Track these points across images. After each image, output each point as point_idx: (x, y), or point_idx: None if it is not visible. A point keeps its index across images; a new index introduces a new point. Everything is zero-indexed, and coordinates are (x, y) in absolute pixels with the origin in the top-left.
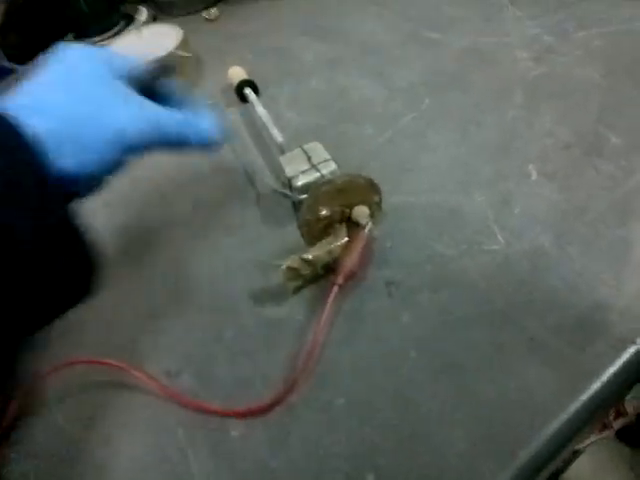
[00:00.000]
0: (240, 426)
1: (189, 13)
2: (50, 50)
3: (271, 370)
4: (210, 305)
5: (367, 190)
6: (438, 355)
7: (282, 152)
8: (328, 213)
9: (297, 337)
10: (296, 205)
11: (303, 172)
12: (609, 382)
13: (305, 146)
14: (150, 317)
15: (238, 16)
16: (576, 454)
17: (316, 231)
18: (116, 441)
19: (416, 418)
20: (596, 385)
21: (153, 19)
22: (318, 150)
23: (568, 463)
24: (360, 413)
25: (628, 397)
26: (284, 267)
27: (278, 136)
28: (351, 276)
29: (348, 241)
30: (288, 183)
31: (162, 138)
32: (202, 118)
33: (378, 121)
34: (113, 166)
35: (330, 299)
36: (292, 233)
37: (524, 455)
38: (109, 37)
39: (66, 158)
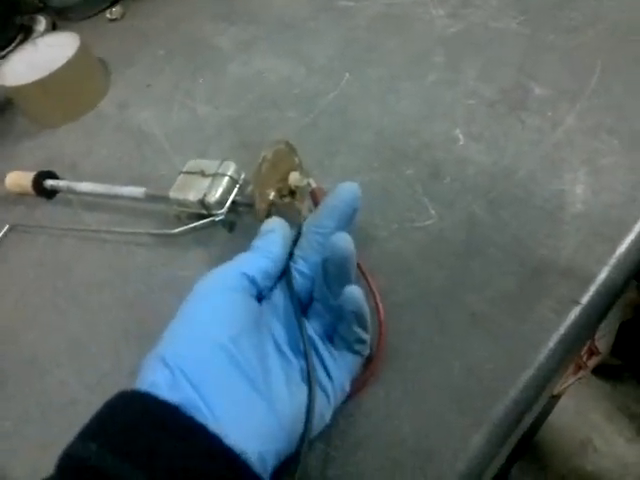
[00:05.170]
0: None
1: (91, 16)
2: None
3: None
4: None
5: (289, 154)
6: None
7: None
8: (275, 192)
9: None
10: (224, 223)
11: (209, 187)
12: (557, 348)
13: (185, 169)
14: None
15: (144, 11)
16: (555, 398)
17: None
18: None
19: (362, 418)
20: (543, 354)
21: (53, 27)
22: (203, 163)
23: (549, 409)
24: None
25: (598, 335)
26: None
27: (135, 191)
28: None
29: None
30: (202, 206)
31: None
32: None
33: (299, 103)
34: None
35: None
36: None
37: (477, 441)
38: (6, 54)
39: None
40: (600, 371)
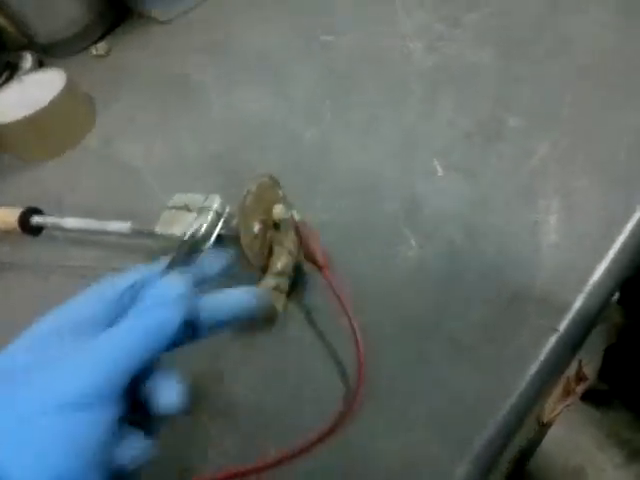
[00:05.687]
0: None
1: (76, 52)
2: None
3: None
4: None
5: (273, 187)
6: (365, 382)
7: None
8: (259, 225)
9: None
10: None
11: (196, 220)
12: (536, 375)
13: (171, 204)
14: None
15: (129, 47)
16: (546, 426)
17: (258, 248)
18: None
19: (348, 450)
20: (524, 381)
21: (39, 64)
22: (188, 197)
23: (540, 437)
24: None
25: (585, 360)
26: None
27: (122, 226)
28: (326, 256)
29: (295, 235)
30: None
31: None
32: None
33: (281, 142)
34: None
35: (334, 284)
36: None
37: (462, 471)
38: None
39: None
40: (589, 397)
